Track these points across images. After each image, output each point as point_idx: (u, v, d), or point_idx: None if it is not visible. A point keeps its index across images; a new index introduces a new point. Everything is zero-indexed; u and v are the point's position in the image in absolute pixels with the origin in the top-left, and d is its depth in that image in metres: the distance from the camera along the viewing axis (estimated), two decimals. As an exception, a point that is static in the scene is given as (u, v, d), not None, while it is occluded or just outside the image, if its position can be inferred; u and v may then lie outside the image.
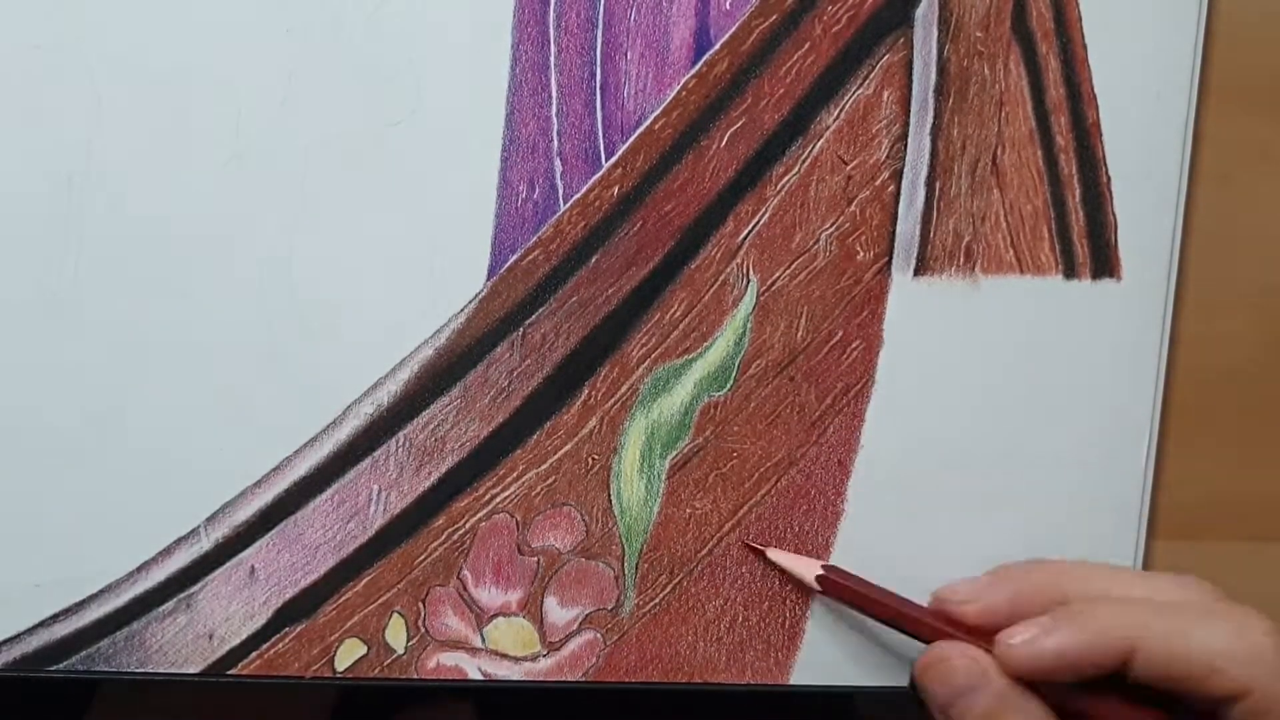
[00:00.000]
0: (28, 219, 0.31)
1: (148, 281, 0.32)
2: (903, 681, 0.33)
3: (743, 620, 0.33)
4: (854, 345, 0.33)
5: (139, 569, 0.32)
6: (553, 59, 0.32)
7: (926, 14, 0.32)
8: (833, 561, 0.33)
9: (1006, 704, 0.29)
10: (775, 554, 0.32)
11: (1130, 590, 0.30)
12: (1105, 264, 0.33)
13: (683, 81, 0.32)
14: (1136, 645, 0.28)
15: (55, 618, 0.32)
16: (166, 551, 0.32)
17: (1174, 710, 0.29)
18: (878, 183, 0.32)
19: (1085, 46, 0.32)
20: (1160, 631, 0.28)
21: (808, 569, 0.32)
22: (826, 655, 0.34)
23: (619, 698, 0.34)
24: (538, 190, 0.32)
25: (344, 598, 0.33)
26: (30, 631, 0.32)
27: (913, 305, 0.33)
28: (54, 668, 0.32)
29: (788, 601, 0.34)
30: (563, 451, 0.33)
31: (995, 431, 0.33)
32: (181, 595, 0.33)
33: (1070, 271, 0.33)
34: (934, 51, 0.32)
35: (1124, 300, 0.33)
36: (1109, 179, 0.33)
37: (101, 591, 0.32)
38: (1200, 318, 0.34)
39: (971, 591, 0.31)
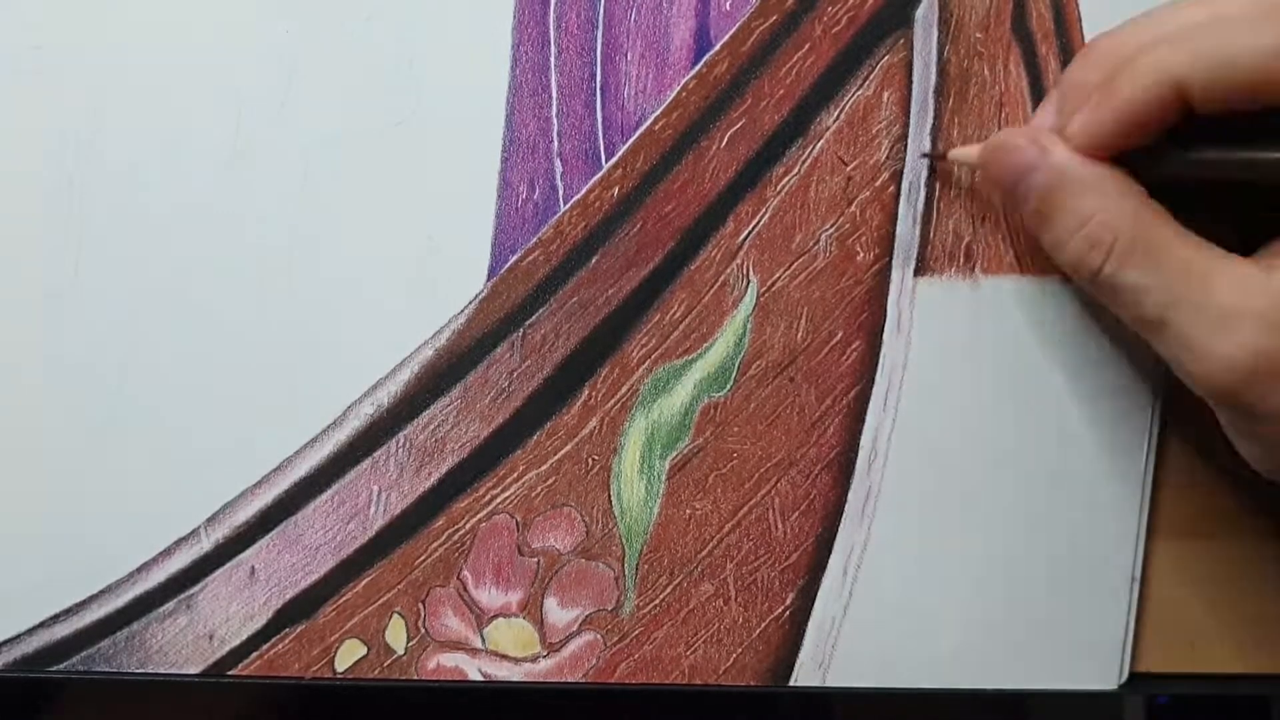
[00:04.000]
0: (29, 219, 0.31)
1: (148, 281, 0.32)
2: (898, 683, 0.33)
3: (743, 622, 0.33)
4: (854, 346, 0.33)
5: (139, 570, 0.32)
6: (553, 60, 0.32)
7: (926, 15, 0.32)
8: (833, 560, 0.33)
9: (1066, 177, 0.28)
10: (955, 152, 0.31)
11: (1189, 18, 0.27)
12: None
13: (683, 82, 0.32)
14: (1185, 81, 0.26)
15: (56, 618, 0.32)
16: (167, 552, 0.32)
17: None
18: (878, 183, 0.32)
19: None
20: (1206, 54, 0.26)
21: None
22: (828, 658, 0.34)
23: (619, 699, 0.34)
24: (538, 191, 0.32)
25: (344, 598, 0.33)
26: (31, 632, 0.32)
27: (913, 306, 0.33)
28: (54, 668, 0.32)
29: (788, 604, 0.33)
30: (563, 452, 0.32)
31: (995, 431, 0.33)
32: (182, 596, 0.33)
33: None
34: (934, 52, 0.32)
35: None
36: None
37: (102, 592, 0.32)
38: None
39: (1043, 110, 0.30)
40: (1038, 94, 0.32)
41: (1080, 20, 0.32)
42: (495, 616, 0.33)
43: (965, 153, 0.31)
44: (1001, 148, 0.29)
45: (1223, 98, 0.26)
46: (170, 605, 0.32)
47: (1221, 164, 0.28)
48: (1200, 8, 0.27)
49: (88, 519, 0.32)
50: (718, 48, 0.32)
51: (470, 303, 0.32)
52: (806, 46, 0.32)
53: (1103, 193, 0.28)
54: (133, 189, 0.31)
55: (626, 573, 0.33)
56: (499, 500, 0.33)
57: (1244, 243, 0.29)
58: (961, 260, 0.33)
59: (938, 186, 0.32)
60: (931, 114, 0.32)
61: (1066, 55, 0.32)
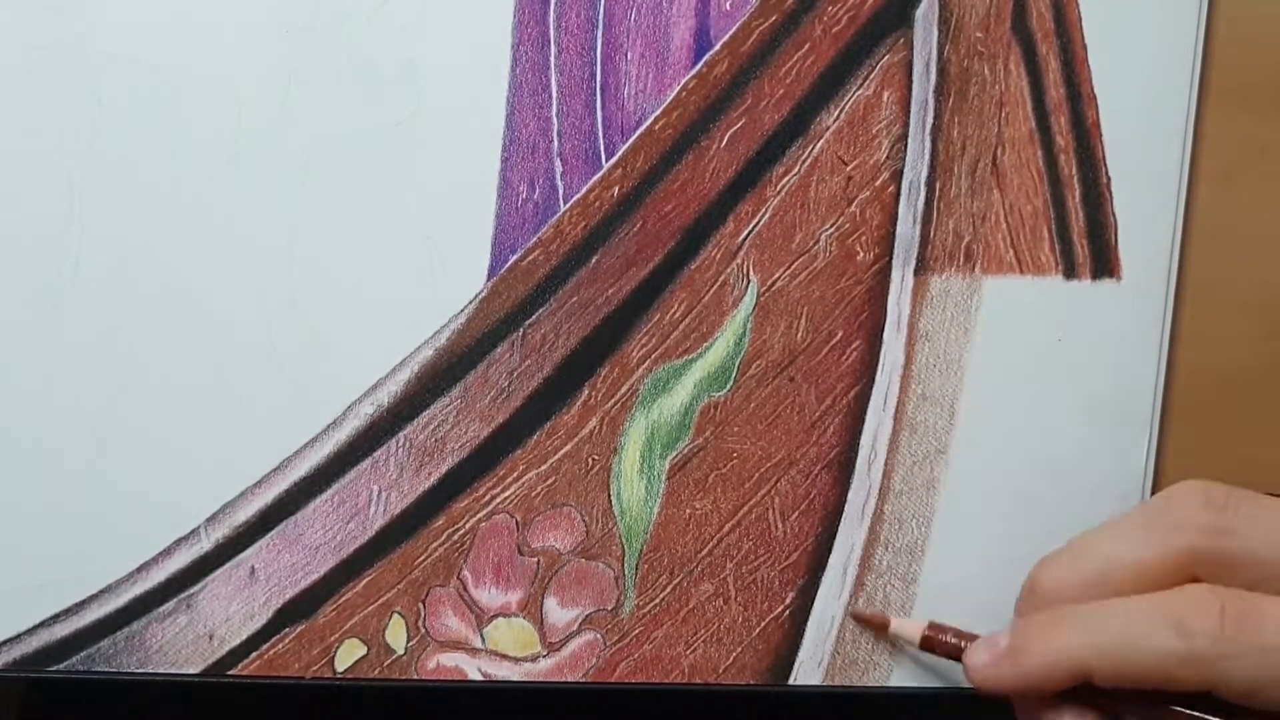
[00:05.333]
0: (29, 219, 0.31)
1: (148, 281, 0.32)
2: (898, 682, 0.34)
3: (743, 621, 0.33)
4: (854, 345, 0.33)
5: (139, 569, 0.32)
6: (553, 59, 0.32)
7: (926, 14, 0.32)
8: (833, 560, 0.33)
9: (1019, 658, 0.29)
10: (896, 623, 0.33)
11: (1102, 583, 0.30)
12: (1105, 264, 0.33)
13: (683, 82, 0.32)
14: (1090, 669, 0.28)
15: (56, 618, 0.32)
16: (166, 552, 0.32)
17: None
18: (878, 183, 0.32)
19: (1085, 47, 0.32)
20: (1111, 651, 0.28)
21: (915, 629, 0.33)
22: (827, 657, 0.34)
23: (619, 699, 0.34)
24: (538, 190, 0.32)
25: (344, 598, 0.33)
26: (31, 631, 0.32)
27: (913, 305, 0.33)
28: (54, 668, 0.32)
29: (788, 603, 0.34)
30: (563, 452, 0.33)
31: (996, 431, 0.33)
32: (181, 595, 0.33)
33: (1070, 271, 0.33)
34: (934, 52, 0.32)
35: (1124, 300, 0.33)
36: (1109, 179, 0.33)
37: (101, 592, 0.32)
38: (1200, 317, 0.34)
39: None
40: (1038, 94, 0.32)
41: (1080, 20, 0.32)
42: (495, 616, 0.33)
43: (905, 628, 0.33)
44: (971, 674, 0.31)
45: (1125, 688, 0.29)
46: (170, 605, 0.32)
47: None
48: (1129, 542, 0.30)
49: (87, 519, 0.32)
50: (718, 47, 0.32)
51: (470, 302, 0.32)
52: (806, 46, 0.32)
53: (1050, 643, 0.29)
54: (133, 189, 0.31)
55: (626, 572, 0.33)
56: (499, 500, 0.33)
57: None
58: (961, 260, 0.33)
59: (938, 186, 0.32)
60: (931, 113, 0.32)
61: (1066, 55, 0.32)
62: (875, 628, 0.33)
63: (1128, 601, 0.29)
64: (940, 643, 0.32)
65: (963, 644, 0.32)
